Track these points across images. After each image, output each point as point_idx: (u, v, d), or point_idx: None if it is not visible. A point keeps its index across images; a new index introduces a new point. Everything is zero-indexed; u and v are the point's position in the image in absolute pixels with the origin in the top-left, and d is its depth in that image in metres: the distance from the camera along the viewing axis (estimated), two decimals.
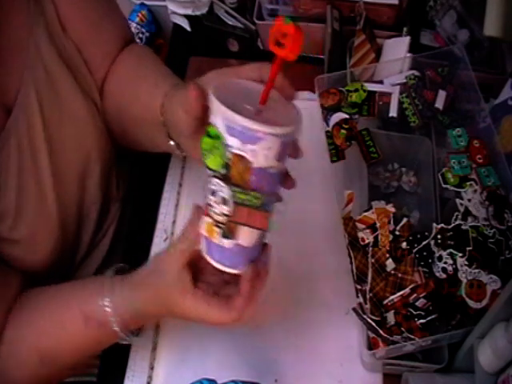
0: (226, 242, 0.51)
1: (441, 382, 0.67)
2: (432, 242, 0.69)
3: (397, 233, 0.70)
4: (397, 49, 0.87)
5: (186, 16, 1.04)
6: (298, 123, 0.50)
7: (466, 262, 0.66)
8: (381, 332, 0.65)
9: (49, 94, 0.66)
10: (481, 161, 0.74)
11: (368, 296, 0.67)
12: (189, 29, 1.05)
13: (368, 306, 0.67)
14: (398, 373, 0.70)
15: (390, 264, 0.68)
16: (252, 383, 0.63)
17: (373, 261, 0.69)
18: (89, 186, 0.73)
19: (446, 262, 0.67)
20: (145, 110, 0.69)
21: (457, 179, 0.74)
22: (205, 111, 0.55)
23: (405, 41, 0.87)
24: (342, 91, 0.82)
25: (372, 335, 0.66)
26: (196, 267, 0.56)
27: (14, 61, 0.64)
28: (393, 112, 0.81)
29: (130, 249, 0.84)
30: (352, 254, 0.70)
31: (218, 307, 0.54)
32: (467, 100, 0.80)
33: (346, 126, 0.79)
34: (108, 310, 0.59)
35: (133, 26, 1.22)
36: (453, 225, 0.69)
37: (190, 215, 0.55)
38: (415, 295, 0.66)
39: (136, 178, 0.88)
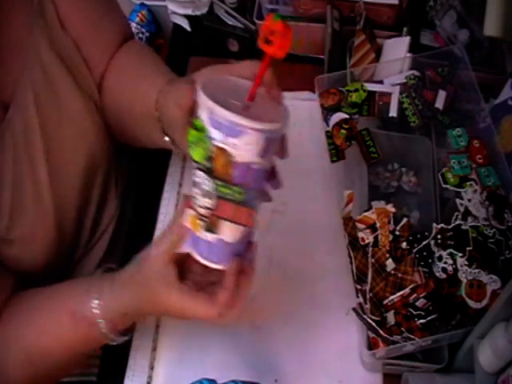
0: (210, 236, 0.51)
1: (441, 382, 0.67)
2: (432, 242, 0.69)
3: (397, 233, 0.70)
4: (397, 49, 0.87)
5: (186, 16, 1.04)
6: (284, 121, 0.50)
7: (466, 262, 0.66)
8: (381, 332, 0.65)
9: (47, 94, 0.66)
10: (481, 161, 0.74)
11: (368, 296, 0.67)
12: (189, 29, 1.05)
13: (368, 306, 0.67)
14: (398, 373, 0.70)
15: (389, 264, 0.68)
16: (252, 383, 0.63)
17: (373, 261, 0.69)
18: (87, 184, 0.73)
19: (446, 262, 0.67)
20: (141, 105, 0.69)
21: (457, 179, 0.74)
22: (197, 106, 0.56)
23: (405, 41, 0.87)
24: (341, 91, 0.82)
25: (372, 335, 0.66)
26: (183, 267, 0.56)
27: (13, 61, 0.64)
28: (393, 112, 0.81)
29: (129, 249, 0.84)
30: (352, 254, 0.70)
31: (203, 301, 0.54)
32: (467, 100, 0.80)
33: (346, 126, 0.79)
34: (96, 311, 0.59)
35: (133, 26, 1.22)
36: (453, 225, 0.69)
37: (177, 208, 0.55)
38: (415, 295, 0.66)
39: (135, 174, 0.88)
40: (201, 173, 0.49)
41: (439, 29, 0.92)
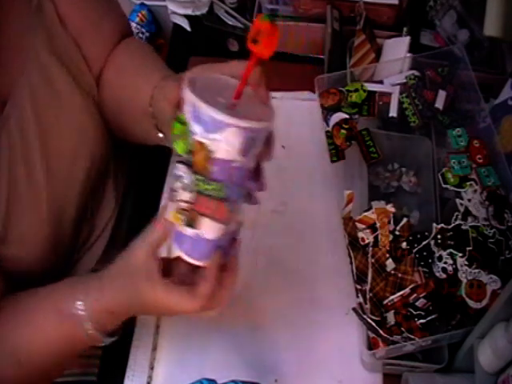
0: (190, 231, 0.52)
1: (441, 382, 0.67)
2: (432, 242, 0.69)
3: (397, 233, 0.70)
4: (397, 49, 0.87)
5: (186, 16, 1.04)
6: (268, 122, 0.50)
7: (466, 262, 0.66)
8: (381, 332, 0.65)
9: (45, 93, 0.66)
10: (481, 161, 0.74)
11: (368, 296, 0.67)
12: (189, 29, 1.05)
13: (368, 306, 0.67)
14: (398, 373, 0.70)
15: (389, 264, 0.68)
16: (252, 383, 0.63)
17: (373, 261, 0.69)
18: (85, 182, 0.73)
19: (446, 262, 0.67)
20: (137, 101, 0.69)
21: (457, 179, 0.74)
22: None
23: (405, 41, 0.87)
24: (342, 91, 0.82)
25: (372, 335, 0.66)
26: (169, 268, 0.57)
27: (13, 61, 0.64)
28: (393, 112, 0.81)
29: None
30: (352, 254, 0.70)
31: (185, 294, 0.54)
32: (467, 100, 0.80)
33: (346, 126, 0.79)
34: (81, 312, 0.58)
35: (133, 25, 1.22)
36: (453, 225, 0.69)
37: (162, 202, 0.55)
38: (415, 295, 0.66)
39: (135, 172, 0.88)
40: (181, 166, 0.50)
41: (439, 29, 0.92)
